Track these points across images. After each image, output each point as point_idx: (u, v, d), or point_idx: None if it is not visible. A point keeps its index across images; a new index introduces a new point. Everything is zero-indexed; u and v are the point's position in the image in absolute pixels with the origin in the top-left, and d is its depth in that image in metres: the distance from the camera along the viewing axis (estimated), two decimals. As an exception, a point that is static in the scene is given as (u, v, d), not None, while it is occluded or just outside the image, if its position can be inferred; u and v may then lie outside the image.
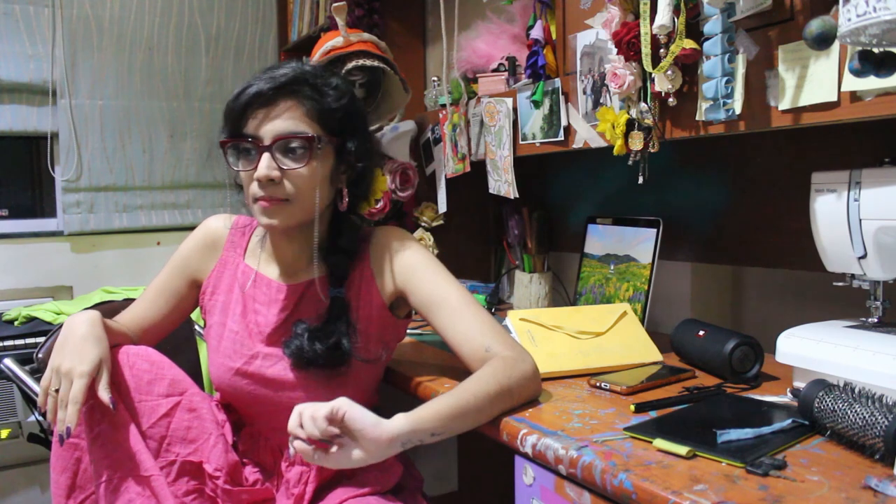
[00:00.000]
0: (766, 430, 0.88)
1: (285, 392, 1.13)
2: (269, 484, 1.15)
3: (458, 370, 1.14)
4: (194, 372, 1.54)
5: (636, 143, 1.24)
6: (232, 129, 1.09)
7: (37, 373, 1.30)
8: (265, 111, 1.06)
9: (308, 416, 0.92)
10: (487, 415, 0.99)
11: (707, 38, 1.10)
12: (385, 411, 1.30)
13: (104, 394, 1.00)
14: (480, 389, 0.99)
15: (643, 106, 1.21)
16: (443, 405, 0.96)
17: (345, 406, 0.91)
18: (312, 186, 1.09)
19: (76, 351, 1.01)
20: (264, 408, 1.16)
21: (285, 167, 1.06)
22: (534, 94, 1.50)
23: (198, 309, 1.28)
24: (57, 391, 1.00)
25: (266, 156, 1.06)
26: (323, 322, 1.12)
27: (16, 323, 2.03)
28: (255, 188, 1.07)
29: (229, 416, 1.20)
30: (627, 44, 1.18)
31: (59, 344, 1.03)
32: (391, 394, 1.28)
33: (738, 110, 1.09)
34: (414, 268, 1.15)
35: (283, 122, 1.06)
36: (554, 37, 1.50)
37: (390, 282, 1.16)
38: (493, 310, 1.86)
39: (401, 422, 0.93)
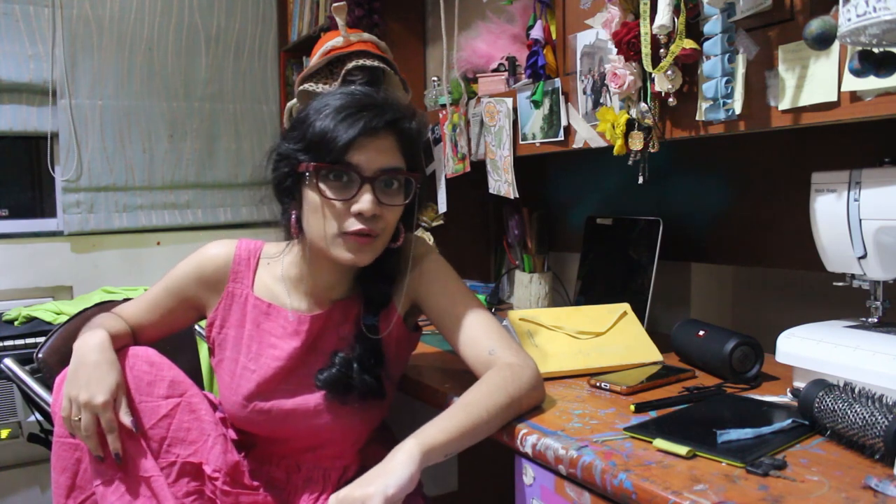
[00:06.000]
0: (766, 430, 0.88)
1: (307, 420, 1.12)
2: (271, 494, 1.14)
3: (461, 371, 1.14)
4: (194, 372, 1.54)
5: (636, 143, 1.24)
6: (333, 156, 1.02)
7: (37, 373, 1.30)
8: (370, 142, 1.02)
9: None
10: (497, 426, 0.98)
11: (707, 38, 1.10)
12: (387, 415, 1.31)
13: (126, 418, 1.03)
14: (492, 402, 0.96)
15: (643, 106, 1.21)
16: (455, 424, 0.92)
17: None
18: (396, 222, 1.08)
19: (91, 380, 1.01)
20: (281, 435, 1.15)
21: (385, 203, 1.04)
22: (534, 94, 1.50)
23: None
24: (79, 420, 1.01)
25: (368, 188, 1.02)
26: (361, 352, 1.11)
27: (16, 323, 2.04)
28: (350, 222, 1.02)
29: (239, 437, 1.19)
30: (627, 44, 1.18)
31: (72, 371, 1.03)
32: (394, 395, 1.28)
33: (738, 110, 1.09)
34: (430, 278, 1.14)
35: (387, 157, 1.04)
36: (554, 37, 1.50)
37: (406, 292, 1.14)
38: (493, 310, 1.86)
39: (413, 453, 0.87)
